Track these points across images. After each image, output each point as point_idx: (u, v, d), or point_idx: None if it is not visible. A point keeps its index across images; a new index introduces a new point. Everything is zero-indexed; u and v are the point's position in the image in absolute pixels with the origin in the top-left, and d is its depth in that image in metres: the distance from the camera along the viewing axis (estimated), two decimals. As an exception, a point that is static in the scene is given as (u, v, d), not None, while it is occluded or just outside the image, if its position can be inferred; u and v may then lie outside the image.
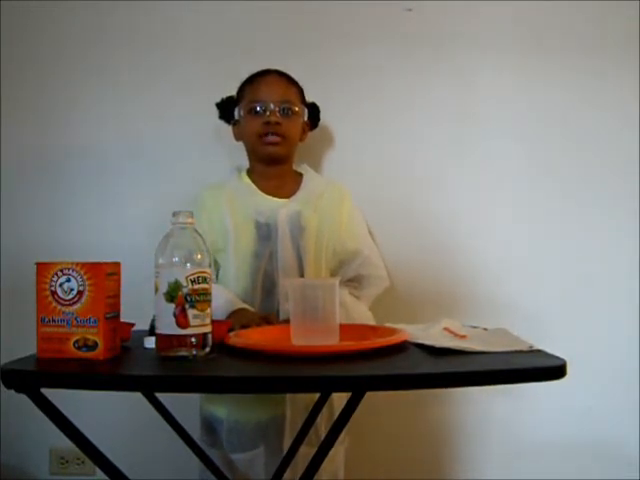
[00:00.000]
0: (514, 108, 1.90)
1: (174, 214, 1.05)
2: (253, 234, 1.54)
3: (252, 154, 1.63)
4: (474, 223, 1.89)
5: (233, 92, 1.64)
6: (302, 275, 1.54)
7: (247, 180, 1.62)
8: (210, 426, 1.55)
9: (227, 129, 1.68)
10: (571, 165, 1.90)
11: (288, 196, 1.59)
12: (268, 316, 1.40)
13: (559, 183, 1.91)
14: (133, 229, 1.85)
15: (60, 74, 1.91)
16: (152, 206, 1.82)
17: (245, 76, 1.62)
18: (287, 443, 1.48)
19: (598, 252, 1.90)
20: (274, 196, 1.58)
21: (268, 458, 1.51)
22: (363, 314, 1.56)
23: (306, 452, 1.45)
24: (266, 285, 1.53)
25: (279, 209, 1.55)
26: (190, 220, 1.05)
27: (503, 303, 1.85)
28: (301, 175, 1.66)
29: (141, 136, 1.90)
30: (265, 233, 1.54)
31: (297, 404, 1.51)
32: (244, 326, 1.29)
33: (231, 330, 1.21)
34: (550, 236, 1.90)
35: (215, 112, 1.68)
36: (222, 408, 1.53)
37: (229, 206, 1.56)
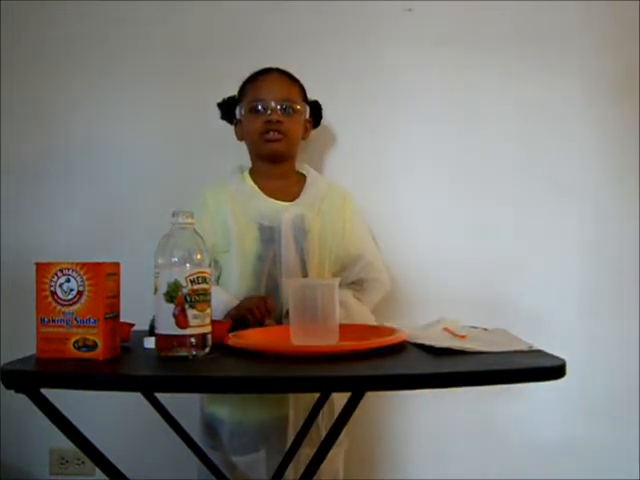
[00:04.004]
0: (515, 108, 1.90)
1: (174, 214, 1.05)
2: (256, 237, 1.53)
3: (254, 153, 1.63)
4: (475, 223, 1.89)
5: (235, 91, 1.64)
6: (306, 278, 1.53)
7: (250, 182, 1.60)
8: (211, 427, 1.54)
9: (229, 129, 1.68)
10: (572, 165, 1.90)
11: (291, 198, 1.58)
12: (267, 297, 1.40)
13: (560, 183, 1.90)
14: (132, 229, 1.85)
15: (60, 74, 1.90)
16: (152, 206, 1.82)
17: (247, 74, 1.61)
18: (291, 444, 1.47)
19: (598, 252, 1.90)
20: (277, 198, 1.57)
21: (271, 461, 1.49)
22: (364, 315, 1.55)
23: (308, 453, 1.44)
24: (270, 287, 1.52)
25: (283, 213, 1.54)
26: (190, 220, 1.05)
27: (503, 303, 1.85)
28: (304, 176, 1.65)
29: (141, 136, 1.90)
30: (268, 236, 1.53)
31: (300, 405, 1.50)
32: (245, 318, 1.30)
33: (234, 319, 1.21)
34: (550, 236, 1.90)
35: (217, 111, 1.67)
36: (224, 409, 1.52)
37: (232, 208, 1.55)
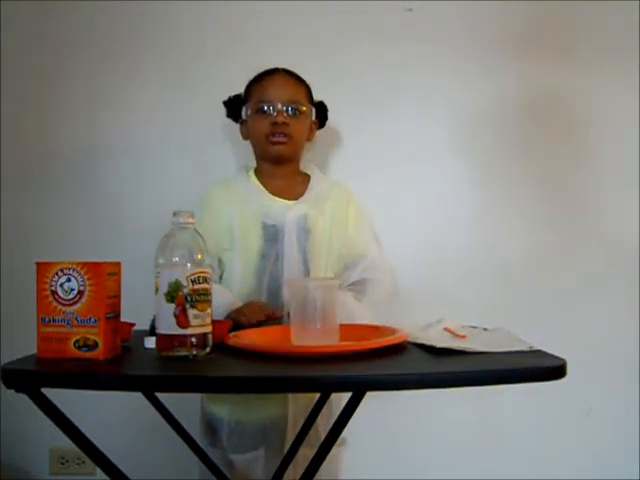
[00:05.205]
0: (516, 107, 1.90)
1: (174, 214, 1.05)
2: (260, 235, 1.53)
3: (259, 154, 1.62)
4: (476, 223, 1.89)
5: (237, 90, 1.63)
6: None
7: (255, 181, 1.60)
8: (211, 425, 1.55)
9: (230, 129, 1.68)
10: (575, 166, 1.91)
11: (295, 198, 1.58)
12: (274, 313, 1.40)
13: (561, 183, 1.91)
14: (133, 229, 1.85)
15: (61, 74, 1.90)
16: (152, 206, 1.82)
17: (250, 75, 1.60)
18: (289, 444, 1.47)
19: (598, 252, 1.90)
20: (282, 198, 1.58)
21: (269, 459, 1.50)
22: (364, 316, 1.54)
23: (306, 453, 1.44)
24: (271, 287, 1.53)
25: (287, 212, 1.54)
26: (190, 220, 1.05)
27: (502, 303, 1.85)
28: (308, 176, 1.65)
29: (142, 136, 1.90)
30: (272, 235, 1.53)
31: (299, 405, 1.51)
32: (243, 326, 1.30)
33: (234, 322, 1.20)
34: (549, 236, 1.90)
35: (218, 111, 1.66)
36: (223, 408, 1.53)
37: (237, 206, 1.55)
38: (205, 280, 1.03)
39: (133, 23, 1.90)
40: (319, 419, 1.47)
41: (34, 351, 1.03)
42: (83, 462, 1.87)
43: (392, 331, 1.16)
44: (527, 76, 1.90)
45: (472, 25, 1.91)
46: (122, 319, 1.09)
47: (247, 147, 1.65)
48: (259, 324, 1.35)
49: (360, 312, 1.53)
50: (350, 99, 1.86)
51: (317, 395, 1.43)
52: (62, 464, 1.89)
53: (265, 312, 1.40)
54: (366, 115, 1.88)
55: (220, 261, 1.56)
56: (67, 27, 1.90)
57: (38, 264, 1.04)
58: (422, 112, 1.90)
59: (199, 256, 1.03)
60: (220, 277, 1.56)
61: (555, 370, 0.94)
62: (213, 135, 1.85)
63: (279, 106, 1.54)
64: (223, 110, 1.66)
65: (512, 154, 1.91)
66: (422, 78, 1.90)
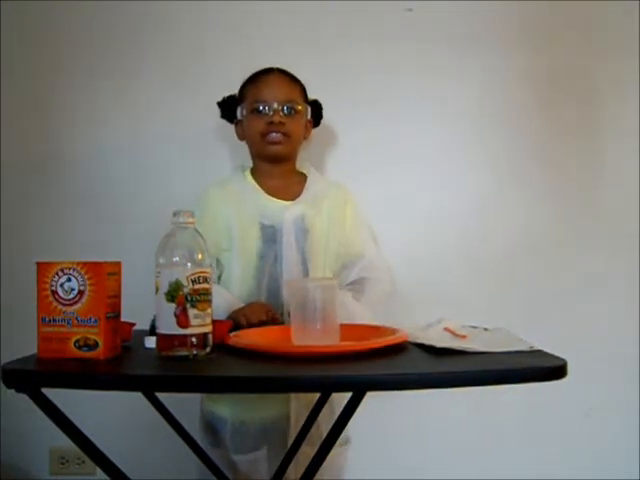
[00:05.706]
0: (516, 106, 1.90)
1: (174, 213, 1.05)
2: (258, 236, 1.53)
3: (255, 153, 1.62)
4: (475, 222, 1.89)
5: (234, 90, 1.63)
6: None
7: (252, 181, 1.60)
8: (212, 426, 1.55)
9: (228, 129, 1.68)
10: (576, 166, 1.91)
11: (292, 198, 1.58)
12: (275, 315, 1.40)
13: (563, 182, 1.91)
14: (133, 229, 1.85)
15: (61, 75, 1.90)
16: (152, 206, 1.82)
17: (247, 75, 1.60)
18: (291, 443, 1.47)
19: (598, 252, 1.90)
20: (279, 198, 1.57)
21: (272, 459, 1.50)
22: (364, 316, 1.54)
23: (307, 451, 1.44)
24: (271, 287, 1.52)
25: (284, 212, 1.54)
26: (191, 220, 1.05)
27: (502, 303, 1.85)
28: (305, 176, 1.65)
29: (142, 136, 1.90)
30: (270, 235, 1.53)
31: (301, 404, 1.51)
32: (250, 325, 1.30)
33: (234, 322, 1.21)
34: (548, 235, 1.90)
35: (218, 111, 1.66)
36: (226, 408, 1.53)
37: (234, 207, 1.55)
38: (205, 280, 1.03)
39: (133, 23, 1.90)
40: (321, 417, 1.47)
41: (34, 351, 1.03)
42: (83, 462, 1.87)
43: (392, 331, 1.16)
44: (527, 76, 1.90)
45: (472, 25, 1.91)
46: (122, 319, 1.09)
47: (247, 147, 1.65)
48: (259, 324, 1.35)
49: (360, 312, 1.52)
50: (350, 99, 1.86)
51: (318, 394, 1.43)
52: (62, 464, 1.89)
53: (267, 312, 1.40)
54: (366, 115, 1.88)
55: (218, 262, 1.56)
56: (67, 27, 1.90)
57: (38, 264, 1.04)
58: (421, 112, 1.90)
59: (199, 256, 1.03)
60: (219, 278, 1.56)
61: (555, 370, 0.94)
62: (213, 135, 1.85)
63: (275, 106, 1.54)
64: (221, 110, 1.66)
65: (512, 154, 1.91)
66: (422, 78, 1.90)
